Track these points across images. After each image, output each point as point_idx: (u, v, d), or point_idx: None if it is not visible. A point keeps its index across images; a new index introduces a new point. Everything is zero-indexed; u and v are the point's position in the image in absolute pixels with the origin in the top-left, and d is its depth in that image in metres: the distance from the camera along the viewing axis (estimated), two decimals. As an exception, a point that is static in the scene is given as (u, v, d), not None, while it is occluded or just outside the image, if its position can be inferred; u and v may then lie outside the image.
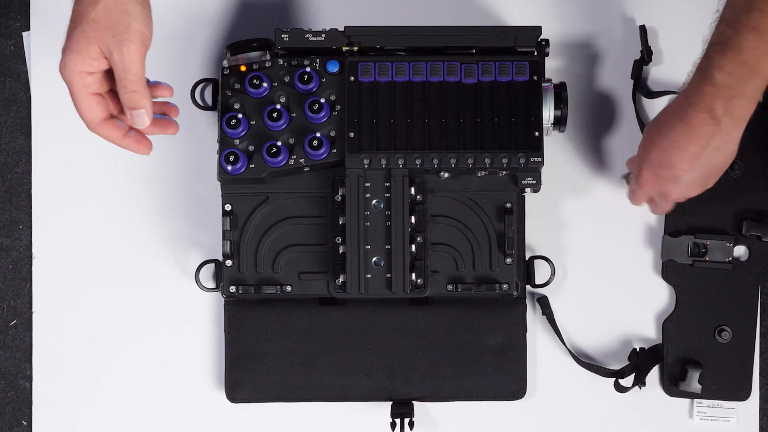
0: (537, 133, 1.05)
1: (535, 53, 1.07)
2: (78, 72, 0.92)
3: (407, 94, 1.05)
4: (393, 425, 1.09)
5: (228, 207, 1.06)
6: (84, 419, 1.12)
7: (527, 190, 1.07)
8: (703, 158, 0.95)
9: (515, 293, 1.07)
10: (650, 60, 1.13)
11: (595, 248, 1.13)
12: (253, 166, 1.05)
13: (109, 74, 0.94)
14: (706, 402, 1.12)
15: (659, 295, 1.13)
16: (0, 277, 1.14)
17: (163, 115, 0.99)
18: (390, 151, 1.04)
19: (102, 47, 0.91)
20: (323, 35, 1.05)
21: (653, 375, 1.12)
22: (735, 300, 1.12)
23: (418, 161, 1.04)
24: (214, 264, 1.12)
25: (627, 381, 1.10)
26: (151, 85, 0.96)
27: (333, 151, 1.06)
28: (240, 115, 1.05)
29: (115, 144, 0.97)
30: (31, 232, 1.14)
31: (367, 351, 1.10)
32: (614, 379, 1.10)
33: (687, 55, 1.15)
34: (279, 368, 1.09)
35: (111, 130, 0.96)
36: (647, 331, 1.13)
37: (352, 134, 1.05)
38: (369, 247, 1.04)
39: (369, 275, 1.04)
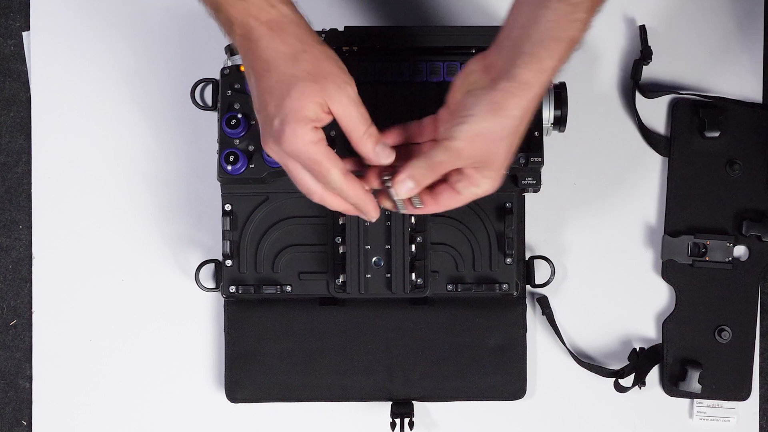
0: (537, 133, 1.05)
1: (535, 53, 1.07)
2: (311, 136, 0.86)
3: (407, 94, 1.05)
4: (393, 425, 1.09)
5: (228, 207, 1.06)
6: (84, 419, 1.12)
7: (527, 190, 1.07)
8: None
9: (515, 293, 1.07)
10: (650, 60, 1.13)
11: (595, 248, 1.13)
12: (253, 166, 1.05)
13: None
14: (706, 402, 1.12)
15: (659, 295, 1.13)
16: (0, 277, 1.14)
17: None
18: (390, 151, 1.04)
19: (323, 99, 0.85)
20: (323, 35, 1.05)
21: (653, 375, 1.12)
22: (735, 300, 1.12)
23: (418, 161, 1.04)
24: (214, 264, 1.12)
25: (627, 381, 1.10)
26: None
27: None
28: (240, 115, 1.05)
29: (357, 202, 0.90)
30: (31, 232, 1.14)
31: (367, 351, 1.10)
32: (614, 379, 1.10)
33: (687, 55, 1.15)
34: (279, 368, 1.09)
35: (355, 182, 0.90)
36: (647, 331, 1.13)
37: (352, 134, 1.05)
38: (369, 247, 1.04)
39: (369, 275, 1.04)
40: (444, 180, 0.91)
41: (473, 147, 0.87)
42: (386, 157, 0.90)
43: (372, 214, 0.92)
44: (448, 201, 0.92)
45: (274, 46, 0.86)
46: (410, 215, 1.04)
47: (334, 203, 0.91)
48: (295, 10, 0.87)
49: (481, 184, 0.90)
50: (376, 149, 0.89)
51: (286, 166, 0.90)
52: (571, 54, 0.88)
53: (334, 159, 0.88)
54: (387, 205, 0.93)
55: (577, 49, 0.88)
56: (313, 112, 0.86)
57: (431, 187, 0.92)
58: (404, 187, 0.90)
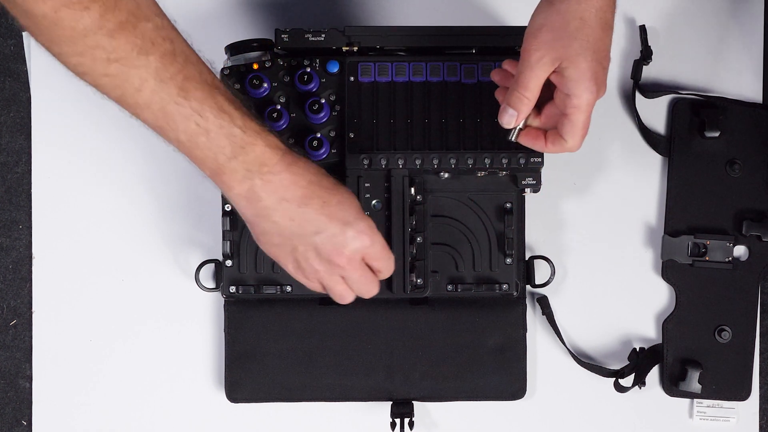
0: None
1: (535, 53, 1.07)
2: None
3: (407, 94, 1.05)
4: (393, 425, 1.09)
5: (228, 207, 1.06)
6: (84, 419, 1.12)
7: (527, 190, 1.07)
8: None
9: (515, 293, 1.07)
10: (650, 60, 1.13)
11: (595, 248, 1.13)
12: (253, 166, 1.05)
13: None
14: (706, 402, 1.12)
15: (659, 295, 1.13)
16: (0, 277, 1.14)
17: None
18: (390, 152, 1.04)
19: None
20: (323, 35, 1.05)
21: (653, 375, 1.12)
22: (735, 300, 1.12)
23: (417, 161, 1.04)
24: (214, 264, 1.12)
25: (627, 381, 1.10)
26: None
27: (333, 151, 1.06)
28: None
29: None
30: (31, 232, 1.14)
31: (367, 351, 1.10)
32: (614, 379, 1.10)
33: (687, 55, 1.15)
34: (279, 368, 1.10)
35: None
36: (647, 331, 1.13)
37: (352, 134, 1.05)
38: (369, 247, 1.04)
39: (369, 275, 1.04)
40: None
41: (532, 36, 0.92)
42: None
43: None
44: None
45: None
46: (410, 215, 1.04)
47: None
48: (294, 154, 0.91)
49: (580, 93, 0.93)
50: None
51: (329, 279, 0.95)
52: None
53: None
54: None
55: None
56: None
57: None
58: (506, 115, 0.95)
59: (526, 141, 0.98)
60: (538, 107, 0.96)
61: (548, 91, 0.95)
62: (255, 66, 1.06)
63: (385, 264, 0.96)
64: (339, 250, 0.92)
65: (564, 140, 0.95)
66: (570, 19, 0.90)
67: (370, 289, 0.97)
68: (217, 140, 0.85)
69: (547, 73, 0.92)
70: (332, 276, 0.94)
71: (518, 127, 0.97)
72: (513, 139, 0.98)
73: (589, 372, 1.11)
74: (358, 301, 1.07)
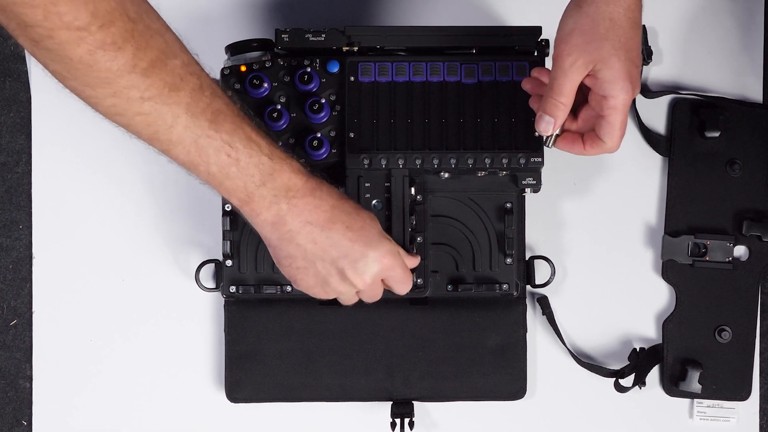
0: (537, 133, 1.05)
1: (535, 53, 1.07)
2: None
3: (407, 94, 1.05)
4: (393, 425, 1.09)
5: (228, 207, 1.06)
6: (84, 419, 1.12)
7: (527, 190, 1.07)
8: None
9: (515, 293, 1.07)
10: (650, 60, 1.13)
11: (595, 248, 1.13)
12: (253, 166, 1.05)
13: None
14: (706, 402, 1.12)
15: (659, 295, 1.13)
16: (0, 277, 1.14)
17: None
18: (390, 152, 1.04)
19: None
20: (323, 35, 1.05)
21: (653, 375, 1.12)
22: (735, 300, 1.12)
23: (418, 161, 1.04)
24: (214, 264, 1.12)
25: (627, 381, 1.10)
26: None
27: (333, 151, 1.06)
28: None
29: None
30: (31, 232, 1.14)
31: (367, 351, 1.10)
32: (614, 379, 1.10)
33: (687, 55, 1.15)
34: (279, 368, 1.09)
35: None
36: (647, 331, 1.13)
37: (352, 134, 1.05)
38: (369, 247, 1.04)
39: (369, 275, 1.04)
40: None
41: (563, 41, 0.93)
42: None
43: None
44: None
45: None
46: (410, 215, 1.04)
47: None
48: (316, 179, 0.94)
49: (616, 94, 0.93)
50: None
51: (346, 296, 0.98)
52: None
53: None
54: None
55: None
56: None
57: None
58: (543, 122, 0.96)
59: (563, 146, 0.98)
60: (573, 111, 0.97)
61: (581, 95, 0.95)
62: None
63: (404, 288, 0.99)
64: (361, 275, 0.94)
65: (603, 142, 0.95)
66: (600, 21, 0.91)
67: (376, 298, 1.00)
68: (247, 169, 0.88)
69: (582, 77, 0.93)
70: (350, 294, 0.97)
71: (556, 134, 0.97)
72: (550, 146, 0.98)
73: (589, 372, 1.11)
74: (358, 301, 1.07)
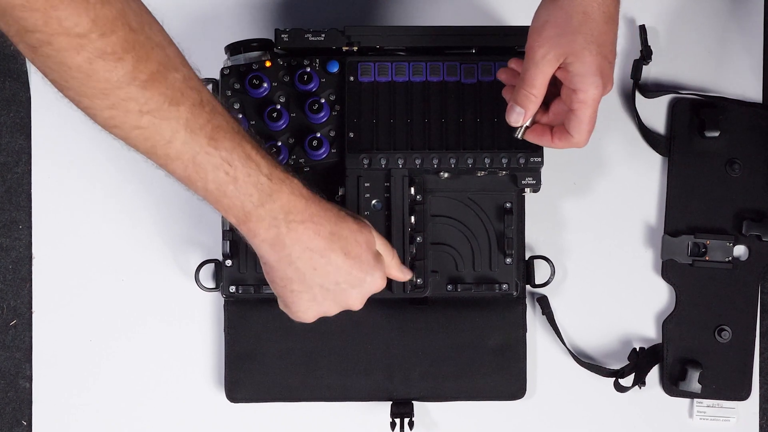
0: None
1: (535, 53, 1.07)
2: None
3: (407, 94, 1.05)
4: (393, 425, 1.09)
5: (228, 207, 1.06)
6: (84, 419, 1.12)
7: (527, 190, 1.07)
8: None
9: (515, 293, 1.07)
10: (650, 60, 1.13)
11: (595, 248, 1.13)
12: (252, 166, 1.05)
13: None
14: (706, 402, 1.12)
15: (659, 295, 1.13)
16: (0, 277, 1.14)
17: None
18: (390, 151, 1.05)
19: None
20: (323, 35, 1.05)
21: (653, 375, 1.12)
22: (735, 300, 1.12)
23: (417, 161, 1.04)
24: (214, 264, 1.12)
25: (627, 381, 1.10)
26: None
27: (333, 151, 1.06)
28: (240, 115, 1.05)
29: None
30: (31, 232, 1.14)
31: (367, 351, 1.10)
32: (614, 379, 1.10)
33: (687, 55, 1.15)
34: (279, 368, 1.10)
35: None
36: (647, 331, 1.13)
37: (351, 134, 1.05)
38: (369, 247, 1.04)
39: (369, 275, 1.04)
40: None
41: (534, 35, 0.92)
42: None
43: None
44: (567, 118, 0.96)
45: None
46: (410, 215, 1.04)
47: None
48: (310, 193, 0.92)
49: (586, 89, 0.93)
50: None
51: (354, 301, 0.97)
52: None
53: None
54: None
55: None
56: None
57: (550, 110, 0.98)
58: (513, 113, 0.96)
59: (532, 138, 0.98)
60: (545, 104, 0.96)
61: (555, 88, 0.95)
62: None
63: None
64: (356, 299, 0.95)
65: (571, 136, 0.95)
66: (573, 14, 0.91)
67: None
68: (245, 188, 0.86)
69: (553, 69, 0.92)
70: (336, 312, 0.97)
71: (525, 125, 0.97)
72: (520, 136, 0.98)
73: (589, 372, 1.11)
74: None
